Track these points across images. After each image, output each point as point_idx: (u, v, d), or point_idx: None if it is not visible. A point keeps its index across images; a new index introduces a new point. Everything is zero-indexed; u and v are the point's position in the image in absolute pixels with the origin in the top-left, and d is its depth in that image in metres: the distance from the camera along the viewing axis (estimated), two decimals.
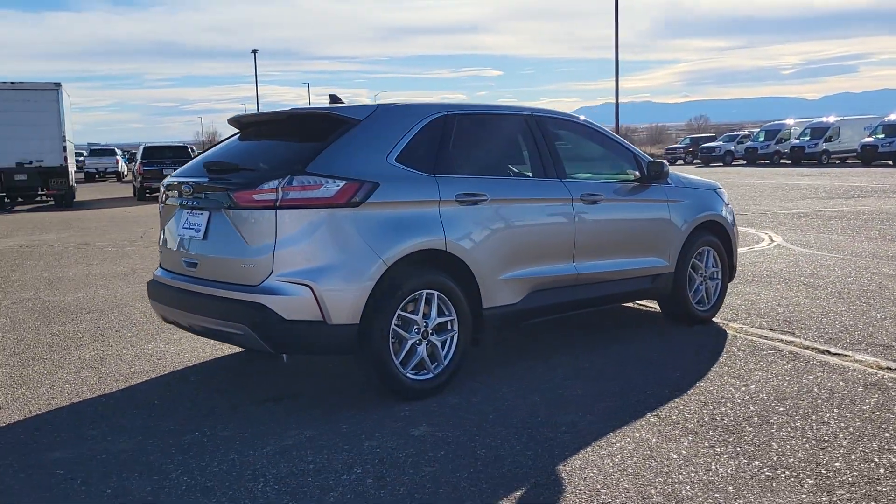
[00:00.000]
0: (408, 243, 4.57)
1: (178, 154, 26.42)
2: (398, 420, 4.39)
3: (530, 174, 5.45)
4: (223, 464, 3.81)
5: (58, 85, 22.83)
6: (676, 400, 4.66)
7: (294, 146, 4.75)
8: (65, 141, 22.76)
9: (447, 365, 4.82)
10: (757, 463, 3.72)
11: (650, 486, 3.50)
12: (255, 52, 55.06)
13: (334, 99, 5.44)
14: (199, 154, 5.47)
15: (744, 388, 4.84)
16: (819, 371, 5.17)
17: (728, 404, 4.56)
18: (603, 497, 3.40)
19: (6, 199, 22.91)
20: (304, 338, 4.37)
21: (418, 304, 4.67)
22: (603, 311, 7.08)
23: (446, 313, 4.82)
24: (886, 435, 4.04)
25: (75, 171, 26.36)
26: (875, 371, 5.17)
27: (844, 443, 3.95)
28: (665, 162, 6.12)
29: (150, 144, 28.39)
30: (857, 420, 4.27)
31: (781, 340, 5.99)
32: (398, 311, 4.57)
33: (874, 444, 3.92)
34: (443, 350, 4.82)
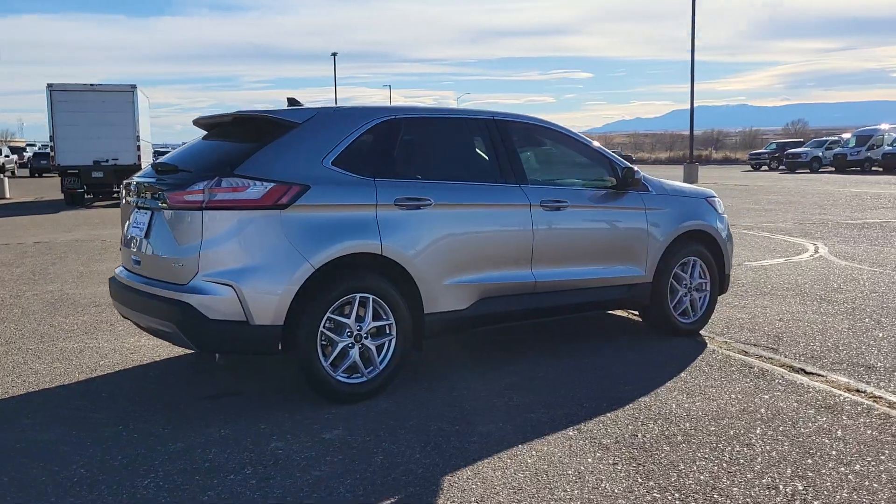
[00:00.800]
0: (338, 246, 4.58)
1: None
2: (318, 422, 4.41)
3: (487, 179, 5.36)
4: (126, 458, 3.92)
5: (133, 87, 23.82)
6: (609, 414, 4.52)
7: (233, 148, 4.83)
8: (139, 140, 23.73)
9: (382, 370, 4.81)
10: (651, 483, 3.59)
11: (528, 500, 3.42)
12: (334, 55, 56.11)
13: (292, 102, 5.50)
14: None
15: (687, 405, 4.66)
16: (778, 391, 4.93)
17: (659, 421, 4.40)
18: None
19: (85, 196, 24.06)
20: (228, 337, 4.44)
21: (352, 307, 4.68)
22: (588, 319, 6.93)
23: (384, 317, 4.81)
24: (808, 461, 3.82)
25: None
26: (840, 393, 4.89)
27: (757, 467, 3.76)
28: (637, 169, 5.93)
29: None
30: (786, 443, 4.05)
31: (760, 357, 5.73)
32: (328, 314, 4.59)
33: (788, 470, 3.72)
34: (379, 354, 4.81)
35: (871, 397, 4.84)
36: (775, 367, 5.46)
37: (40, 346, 6.25)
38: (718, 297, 6.71)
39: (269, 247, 4.44)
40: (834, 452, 3.93)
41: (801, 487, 3.53)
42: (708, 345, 6.09)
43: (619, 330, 6.63)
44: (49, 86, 23.40)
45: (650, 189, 6.16)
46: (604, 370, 5.41)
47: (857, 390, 4.97)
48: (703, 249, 6.39)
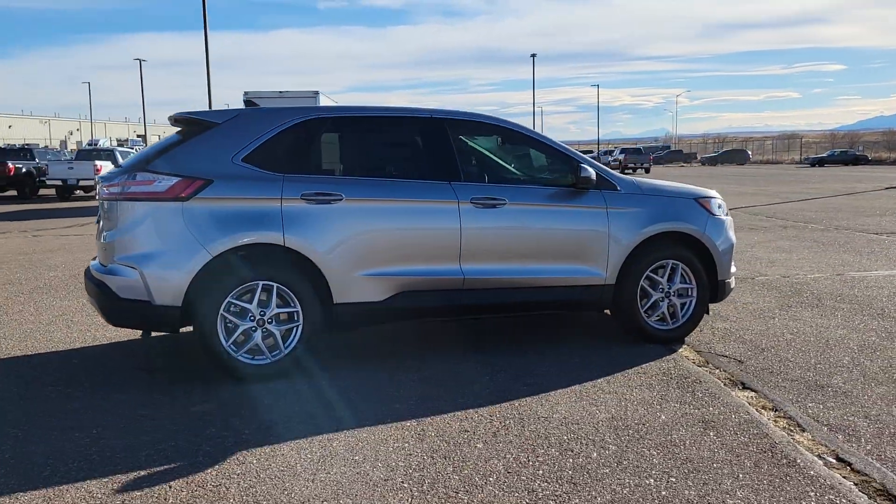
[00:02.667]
0: (237, 236, 4.93)
1: None
2: (203, 398, 4.77)
3: (411, 176, 5.47)
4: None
5: (316, 92, 25.55)
6: (469, 410, 4.49)
7: (164, 146, 5.33)
8: None
9: (287, 353, 5.10)
10: (451, 469, 3.60)
11: (266, 485, 3.57)
12: (533, 56, 56.47)
13: (249, 103, 5.93)
14: None
15: (564, 410, 4.51)
16: (687, 403, 4.63)
17: (509, 422, 4.32)
18: (197, 491, 3.55)
19: None
20: (134, 315, 4.94)
21: (255, 293, 5.02)
22: (573, 316, 6.77)
23: (290, 305, 5.10)
24: (638, 468, 3.63)
25: None
26: (751, 410, 4.52)
27: (571, 474, 3.63)
28: (588, 168, 5.71)
29: None
30: (629, 454, 3.85)
31: (717, 368, 5.37)
32: (229, 299, 4.96)
33: (617, 478, 3.56)
34: (286, 339, 5.11)
35: (779, 417, 4.42)
36: (716, 380, 5.10)
37: (21, 319, 7.14)
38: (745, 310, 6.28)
39: (170, 235, 4.89)
40: (668, 465, 3.69)
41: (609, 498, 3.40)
42: (675, 353, 5.76)
43: (597, 330, 6.40)
44: (245, 93, 25.79)
45: (618, 188, 5.92)
46: (521, 369, 5.32)
47: (773, 409, 4.55)
48: (687, 253, 6.03)
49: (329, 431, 4.17)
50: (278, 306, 5.08)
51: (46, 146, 48.10)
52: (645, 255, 5.92)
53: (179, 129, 5.55)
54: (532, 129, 5.98)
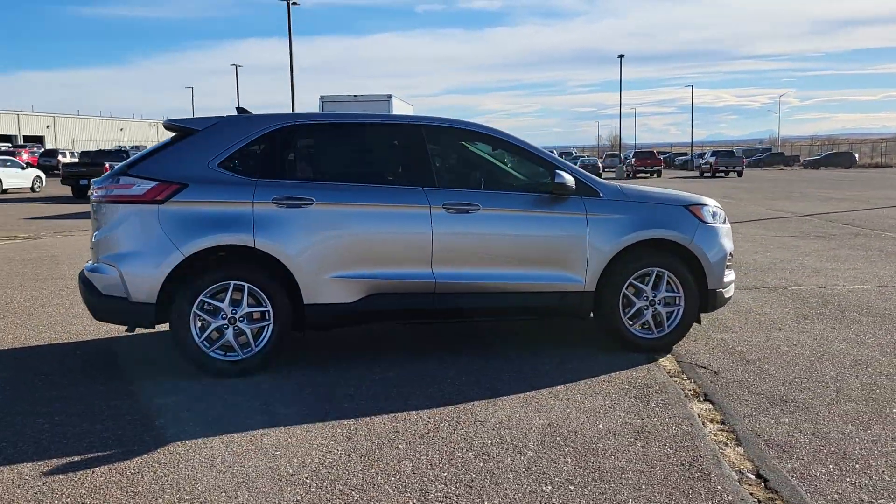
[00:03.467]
0: (208, 238, 5.19)
1: None
2: (171, 391, 5.03)
3: (384, 182, 5.61)
4: None
5: (389, 96, 26.08)
6: (422, 411, 4.59)
7: (150, 151, 5.64)
8: None
9: (258, 351, 5.32)
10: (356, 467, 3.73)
11: (179, 475, 3.77)
12: (621, 56, 55.47)
13: (240, 110, 6.17)
14: None
15: (504, 415, 4.55)
16: (635, 412, 4.60)
17: (444, 425, 4.39)
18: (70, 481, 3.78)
19: None
20: (115, 310, 5.27)
21: (227, 293, 5.26)
22: (564, 323, 6.74)
23: (262, 304, 5.32)
24: (543, 474, 3.67)
25: None
26: (696, 420, 4.44)
27: (474, 477, 3.70)
28: (563, 174, 5.69)
29: None
30: (544, 460, 3.89)
31: (688, 379, 5.29)
32: (201, 297, 5.21)
33: (509, 486, 3.62)
34: (258, 337, 5.33)
35: (722, 430, 4.34)
36: (679, 391, 5.02)
37: (25, 310, 7.59)
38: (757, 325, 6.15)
39: (146, 235, 5.18)
40: (574, 473, 3.71)
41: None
42: (654, 362, 5.69)
43: (582, 340, 6.35)
44: (321, 98, 26.52)
45: (600, 194, 5.89)
46: (487, 373, 5.37)
47: (721, 422, 4.46)
48: (674, 261, 5.93)
49: (267, 427, 4.35)
50: (250, 305, 5.30)
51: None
52: (628, 262, 5.86)
53: (172, 135, 5.86)
54: (513, 135, 6.01)
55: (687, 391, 5.03)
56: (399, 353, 5.97)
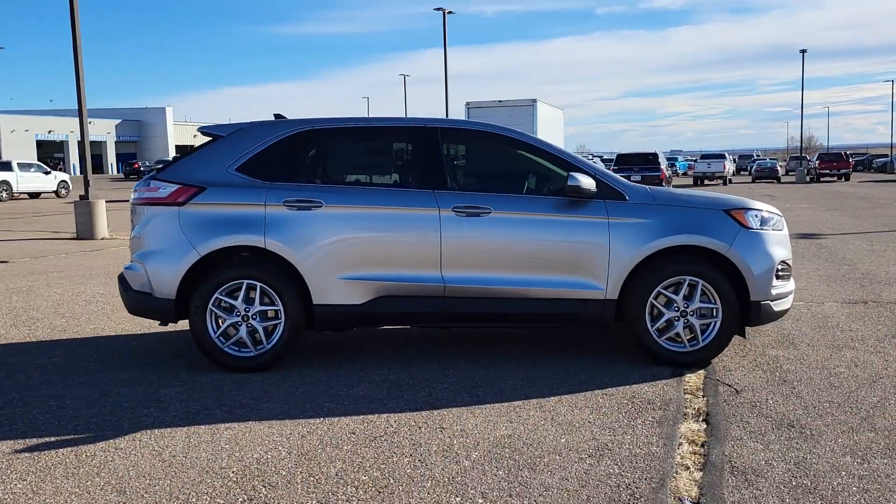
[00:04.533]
0: (223, 239, 5.44)
1: (646, 161, 27.47)
2: (179, 383, 5.32)
3: (395, 184, 5.63)
4: None
5: (533, 101, 26.08)
6: (393, 415, 4.58)
7: (181, 156, 5.97)
8: None
9: (269, 348, 5.50)
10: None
11: (126, 461, 3.97)
12: (803, 52, 51.56)
13: (278, 116, 6.39)
14: None
15: (478, 424, 4.44)
16: (610, 431, 4.34)
17: (409, 426, 4.35)
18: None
19: None
20: (142, 305, 5.64)
21: (241, 291, 5.49)
22: (598, 331, 6.42)
23: (274, 303, 5.50)
24: (462, 485, 3.58)
25: None
26: (674, 441, 4.13)
27: (405, 486, 3.67)
28: (577, 177, 5.42)
29: (622, 153, 30.02)
30: (476, 471, 3.78)
31: (707, 398, 4.92)
32: (216, 295, 5.47)
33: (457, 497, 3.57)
34: (270, 335, 5.52)
35: (695, 453, 3.99)
36: (682, 409, 4.68)
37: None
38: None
39: (168, 235, 5.51)
40: (497, 486, 3.58)
41: None
42: (679, 376, 5.33)
43: (606, 349, 6.03)
44: (467, 104, 26.92)
45: (626, 197, 5.59)
46: (483, 380, 5.23)
47: (701, 444, 4.11)
48: (709, 270, 5.52)
49: (237, 421, 4.50)
50: (263, 304, 5.49)
51: None
52: (655, 270, 5.52)
53: (202, 140, 6.19)
54: (533, 136, 5.83)
55: (690, 410, 4.67)
56: (408, 355, 5.97)
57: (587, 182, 5.45)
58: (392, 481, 3.64)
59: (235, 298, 5.49)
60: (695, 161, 49.35)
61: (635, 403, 4.76)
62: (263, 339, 5.51)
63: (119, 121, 77.16)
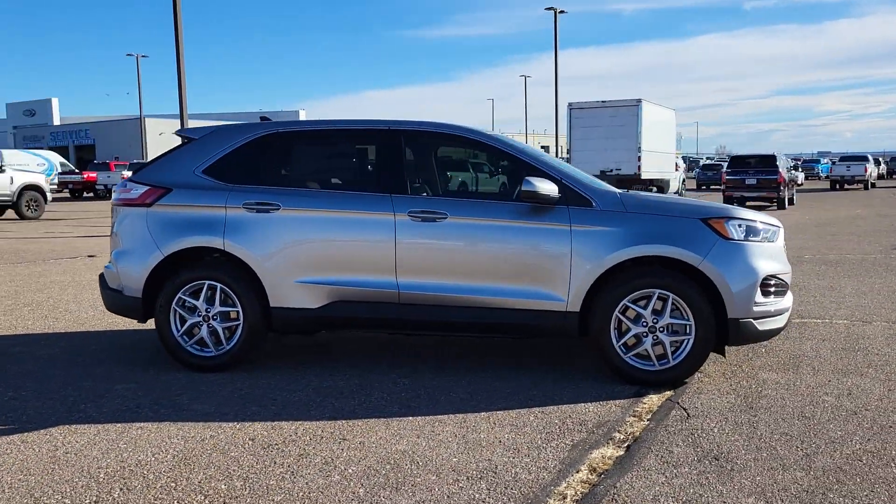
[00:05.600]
0: (184, 240, 5.53)
1: (762, 163, 25.98)
2: (134, 379, 5.44)
3: (353, 188, 5.54)
4: None
5: (638, 101, 25.17)
6: (306, 423, 4.51)
7: (154, 159, 6.11)
8: (640, 151, 24.99)
9: (228, 349, 5.56)
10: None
11: (33, 451, 4.09)
12: None
13: (263, 119, 6.43)
14: None
15: (375, 441, 4.31)
16: (508, 452, 4.10)
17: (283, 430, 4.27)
18: None
19: None
20: (115, 302, 5.82)
21: (202, 292, 5.57)
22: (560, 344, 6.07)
23: (233, 305, 5.55)
24: (295, 497, 3.49)
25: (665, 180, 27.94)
26: (559, 469, 3.85)
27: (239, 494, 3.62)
28: (533, 182, 5.13)
29: (737, 155, 28.46)
30: (301, 480, 3.67)
31: (651, 422, 4.56)
32: (179, 294, 5.57)
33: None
34: (231, 336, 5.57)
35: (582, 482, 3.69)
36: (616, 433, 4.35)
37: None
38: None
39: (136, 235, 5.67)
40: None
41: None
42: (640, 396, 4.98)
43: (574, 364, 5.68)
44: (569, 104, 26.39)
45: (594, 203, 5.26)
46: (435, 390, 5.05)
47: (592, 470, 3.80)
48: (681, 283, 5.11)
49: (157, 421, 4.56)
50: (223, 305, 5.55)
51: None
52: (622, 281, 5.17)
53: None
54: (502, 138, 5.59)
55: (620, 434, 4.33)
56: (376, 360, 5.88)
57: (546, 187, 5.16)
58: (245, 492, 3.57)
59: (198, 299, 5.57)
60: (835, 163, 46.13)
61: (566, 424, 4.47)
62: (224, 339, 5.56)
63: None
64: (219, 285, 5.51)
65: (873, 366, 5.64)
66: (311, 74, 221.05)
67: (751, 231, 5.25)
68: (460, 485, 3.64)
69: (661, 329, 5.15)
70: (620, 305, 5.17)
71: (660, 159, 27.13)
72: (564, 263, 5.19)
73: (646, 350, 5.18)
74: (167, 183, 5.68)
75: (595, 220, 5.22)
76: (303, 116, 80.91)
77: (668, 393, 5.06)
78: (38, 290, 9.36)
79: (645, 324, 5.17)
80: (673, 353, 5.16)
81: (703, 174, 45.07)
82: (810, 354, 5.98)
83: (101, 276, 5.99)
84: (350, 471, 3.81)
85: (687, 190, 35.04)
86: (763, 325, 5.21)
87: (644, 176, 25.50)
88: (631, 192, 5.58)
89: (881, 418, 4.50)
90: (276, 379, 5.43)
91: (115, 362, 5.93)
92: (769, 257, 5.26)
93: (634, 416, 4.62)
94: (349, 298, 5.43)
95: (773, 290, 5.25)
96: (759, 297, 5.16)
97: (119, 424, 4.50)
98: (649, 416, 4.61)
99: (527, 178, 5.19)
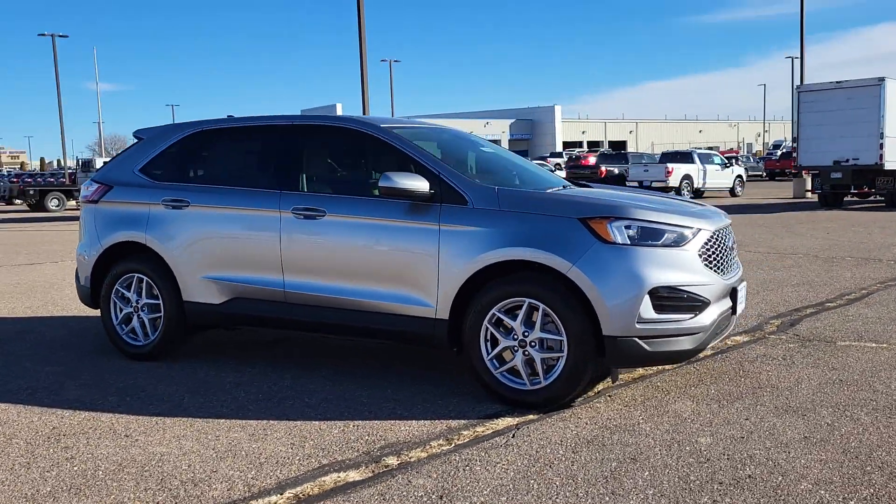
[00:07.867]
0: (115, 234, 5.86)
1: None
2: (92, 369, 5.85)
3: (251, 184, 5.49)
4: None
5: (881, 80, 21.94)
6: (158, 419, 4.59)
7: (112, 158, 6.46)
8: (882, 138, 21.78)
9: (153, 340, 5.80)
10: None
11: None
12: None
13: (229, 117, 6.54)
14: None
15: (191, 443, 4.28)
16: (298, 466, 3.88)
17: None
18: None
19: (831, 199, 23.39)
20: (80, 293, 6.32)
21: (133, 284, 5.87)
22: None
23: (156, 297, 5.79)
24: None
25: None
26: (334, 485, 3.57)
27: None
28: (391, 177, 4.69)
29: None
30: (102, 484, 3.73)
31: (493, 440, 4.09)
32: (116, 286, 5.91)
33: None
34: (154, 327, 5.82)
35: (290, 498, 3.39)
36: (408, 455, 3.94)
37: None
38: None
39: (87, 230, 6.11)
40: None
41: None
42: (521, 414, 4.44)
43: None
44: (797, 87, 23.78)
45: (468, 201, 4.76)
46: (330, 393, 4.88)
47: (342, 490, 3.46)
48: (550, 292, 4.47)
49: (43, 406, 4.80)
50: (149, 297, 5.81)
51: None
52: (491, 288, 4.63)
53: None
54: (387, 129, 5.19)
55: (397, 460, 3.88)
56: (312, 360, 5.79)
57: (408, 183, 4.75)
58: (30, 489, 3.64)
59: (130, 290, 5.87)
60: None
61: (352, 442, 4.09)
62: (149, 330, 5.81)
63: (513, 120, 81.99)
64: (145, 278, 5.76)
65: (832, 404, 4.47)
66: (585, 66, 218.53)
67: (646, 234, 4.43)
68: (135, 491, 3.48)
69: (532, 343, 4.52)
70: (490, 315, 4.61)
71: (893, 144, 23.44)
72: (432, 266, 4.75)
73: (516, 366, 4.58)
74: (110, 181, 6.06)
75: (466, 219, 4.70)
76: (557, 112, 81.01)
77: (531, 417, 4.43)
78: None
79: (515, 337, 4.56)
80: (545, 371, 4.51)
81: None
82: (776, 382, 4.90)
83: (76, 274, 6.50)
84: (109, 471, 3.78)
85: None
86: (654, 346, 4.37)
87: (888, 166, 22.18)
88: (510, 188, 4.96)
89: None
90: (185, 374, 5.52)
91: (95, 349, 6.35)
92: (667, 266, 4.40)
93: (445, 441, 4.10)
94: (246, 296, 5.41)
95: (671, 304, 4.38)
96: (648, 314, 4.33)
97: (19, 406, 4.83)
98: (461, 442, 4.07)
99: (386, 173, 4.80)
